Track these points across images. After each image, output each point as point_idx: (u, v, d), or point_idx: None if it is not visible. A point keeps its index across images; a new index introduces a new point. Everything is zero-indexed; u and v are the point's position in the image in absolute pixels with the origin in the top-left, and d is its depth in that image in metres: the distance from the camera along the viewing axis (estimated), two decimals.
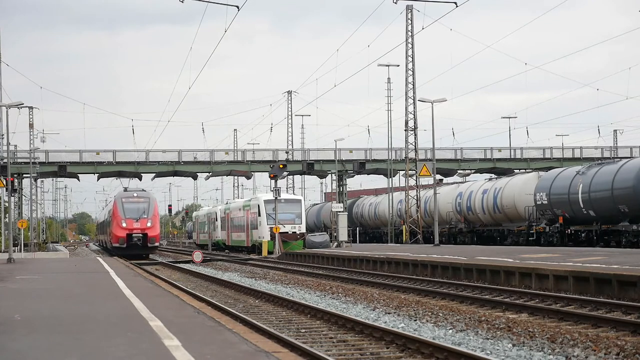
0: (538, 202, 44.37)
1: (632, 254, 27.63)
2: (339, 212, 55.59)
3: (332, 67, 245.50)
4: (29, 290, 20.61)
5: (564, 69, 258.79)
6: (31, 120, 78.71)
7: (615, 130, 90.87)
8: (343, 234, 52.87)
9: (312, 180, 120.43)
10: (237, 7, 29.55)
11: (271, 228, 52.53)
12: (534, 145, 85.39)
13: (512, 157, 75.74)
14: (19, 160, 68.31)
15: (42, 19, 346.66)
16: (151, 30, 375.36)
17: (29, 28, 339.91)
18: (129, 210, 52.74)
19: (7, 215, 52.00)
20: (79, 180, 79.37)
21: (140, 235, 52.15)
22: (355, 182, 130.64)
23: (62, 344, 10.58)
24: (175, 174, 75.83)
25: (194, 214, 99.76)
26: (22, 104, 50.11)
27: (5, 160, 53.55)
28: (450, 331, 14.56)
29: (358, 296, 21.53)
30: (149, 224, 52.45)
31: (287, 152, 75.33)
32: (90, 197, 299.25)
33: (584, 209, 39.89)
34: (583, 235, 41.37)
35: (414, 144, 57.00)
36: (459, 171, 74.68)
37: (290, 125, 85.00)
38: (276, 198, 51.51)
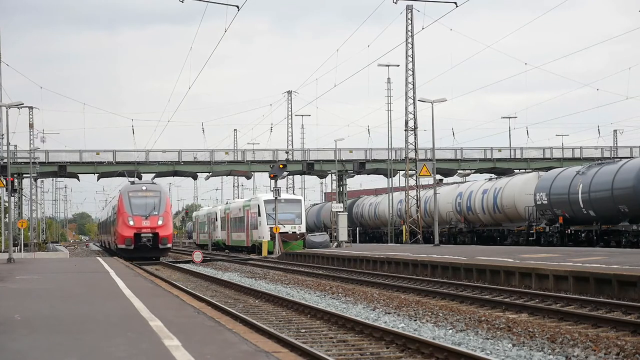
0: (538, 202, 44.37)
1: (632, 254, 27.62)
2: (339, 212, 55.59)
3: (332, 67, 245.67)
4: (29, 290, 20.61)
5: (564, 69, 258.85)
6: (31, 120, 78.74)
7: (615, 130, 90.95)
8: (343, 234, 52.87)
9: (312, 180, 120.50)
10: (237, 7, 29.57)
11: (271, 228, 52.52)
12: (534, 145, 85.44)
13: (512, 157, 75.75)
14: (19, 160, 68.33)
15: (42, 19, 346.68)
16: (151, 30, 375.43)
17: (29, 28, 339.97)
18: (136, 206, 45.87)
19: (7, 215, 51.99)
20: (79, 180, 79.41)
21: (150, 235, 45.40)
22: (355, 182, 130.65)
23: (62, 344, 10.59)
24: (175, 174, 75.86)
25: (194, 214, 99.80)
26: (22, 104, 50.13)
27: (5, 160, 53.56)
28: (450, 331, 14.56)
29: (358, 296, 21.53)
30: (160, 222, 45.66)
31: (287, 152, 75.34)
32: (90, 197, 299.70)
33: (584, 209, 39.89)
34: (583, 235, 41.36)
35: (414, 144, 57.00)
36: (459, 171, 74.70)
37: (290, 125, 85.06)
38: (276, 198, 51.52)
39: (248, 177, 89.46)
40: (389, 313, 17.51)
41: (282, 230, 51.69)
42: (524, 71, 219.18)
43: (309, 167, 72.34)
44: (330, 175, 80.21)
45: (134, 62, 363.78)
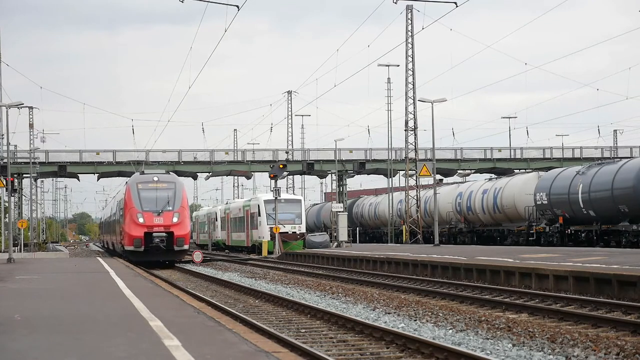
0: (538, 202, 44.37)
1: (632, 254, 27.62)
2: (339, 212, 55.59)
3: (332, 67, 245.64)
4: (29, 290, 20.61)
5: (564, 69, 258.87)
6: (31, 120, 78.75)
7: (615, 130, 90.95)
8: (343, 234, 52.87)
9: (312, 180, 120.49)
10: (237, 6, 29.56)
11: (271, 228, 52.52)
12: (534, 145, 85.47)
13: (512, 157, 75.76)
14: (19, 160, 68.35)
15: (42, 19, 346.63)
16: (151, 30, 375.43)
17: (29, 28, 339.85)
18: (147, 201, 39.43)
19: (7, 215, 51.99)
20: (79, 180, 79.41)
21: (164, 234, 38.89)
22: (355, 182, 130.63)
23: (62, 344, 10.59)
24: (175, 174, 75.84)
25: (194, 214, 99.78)
26: (22, 104, 50.14)
27: (5, 160, 53.55)
28: (450, 331, 14.56)
29: (358, 296, 21.53)
30: (175, 219, 39.15)
31: (287, 152, 75.35)
32: (90, 197, 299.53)
33: (584, 209, 39.89)
34: (583, 235, 41.36)
35: (414, 144, 57.00)
36: (459, 171, 74.71)
37: (290, 125, 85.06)
38: (276, 198, 51.52)
39: (248, 177, 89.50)
40: (389, 313, 17.51)
41: (282, 230, 51.68)
42: (524, 71, 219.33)
43: (309, 167, 72.34)
44: (330, 175, 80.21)
45: (134, 62, 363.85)
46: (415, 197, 57.71)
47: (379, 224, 73.31)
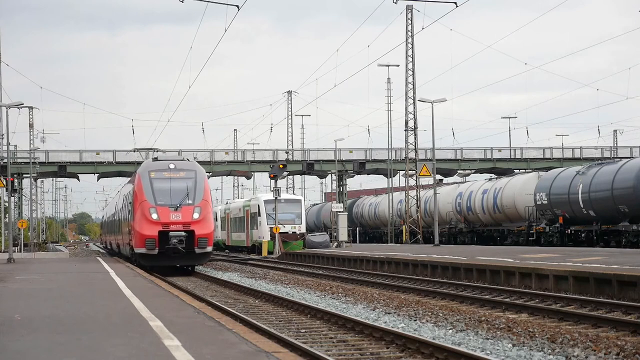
0: (538, 202, 44.37)
1: (632, 254, 27.62)
2: (339, 212, 55.58)
3: (332, 67, 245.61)
4: (29, 290, 20.61)
5: (564, 69, 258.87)
6: (31, 120, 78.76)
7: (615, 130, 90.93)
8: (343, 234, 52.86)
9: (312, 180, 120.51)
10: (237, 6, 29.55)
11: (271, 228, 52.51)
12: (534, 145, 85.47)
13: (512, 157, 75.76)
14: (19, 160, 68.35)
15: (42, 19, 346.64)
16: (152, 30, 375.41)
17: (29, 28, 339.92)
18: (162, 192, 32.54)
19: (7, 215, 51.98)
20: (79, 180, 79.42)
21: (183, 234, 31.80)
22: (355, 182, 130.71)
23: (62, 344, 10.59)
24: None
25: None
26: (22, 104, 50.11)
27: (5, 160, 53.56)
28: (450, 331, 14.56)
29: (358, 296, 21.53)
30: (196, 215, 32.14)
31: (287, 152, 75.35)
32: (90, 197, 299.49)
33: (584, 209, 39.89)
34: (583, 235, 41.36)
35: (414, 144, 57.00)
36: (459, 171, 74.71)
37: (290, 125, 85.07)
38: (276, 198, 51.52)
39: (248, 177, 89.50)
40: (389, 313, 17.51)
41: (282, 230, 51.67)
42: (524, 71, 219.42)
43: (309, 167, 72.35)
44: (330, 175, 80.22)
45: (134, 62, 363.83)
46: (415, 197, 57.72)
47: (379, 224, 73.30)
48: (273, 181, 52.43)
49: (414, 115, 56.73)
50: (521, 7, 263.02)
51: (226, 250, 67.54)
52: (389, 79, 65.87)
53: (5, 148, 55.63)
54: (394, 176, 70.53)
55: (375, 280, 27.12)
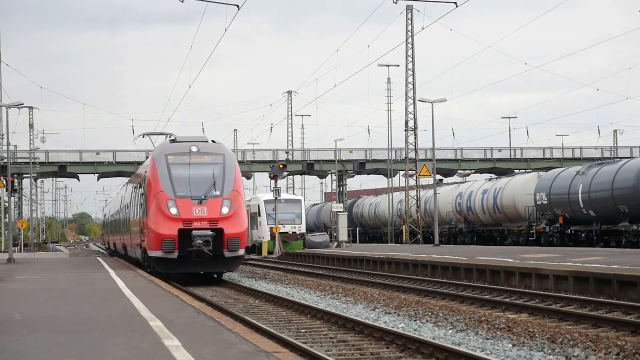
0: (538, 202, 44.37)
1: (632, 254, 27.62)
2: (339, 212, 55.58)
3: (332, 67, 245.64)
4: (29, 290, 20.61)
5: (564, 69, 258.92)
6: (31, 120, 78.76)
7: (615, 130, 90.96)
8: (343, 234, 52.86)
9: (312, 180, 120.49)
10: (237, 6, 29.55)
11: (271, 228, 52.51)
12: (534, 145, 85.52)
13: (512, 157, 75.78)
14: (19, 160, 68.37)
15: (42, 19, 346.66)
16: (152, 30, 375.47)
17: (29, 28, 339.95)
18: (183, 181, 26.59)
19: (7, 215, 51.98)
20: (79, 180, 79.46)
21: (209, 232, 25.83)
22: (355, 182, 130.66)
23: (62, 344, 10.58)
24: None
25: None
26: (22, 104, 50.11)
27: (5, 160, 53.57)
28: (450, 331, 14.56)
29: (358, 296, 21.53)
30: (225, 210, 26.22)
31: (287, 152, 75.36)
32: (90, 197, 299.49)
33: (584, 209, 39.89)
34: (583, 235, 41.36)
35: (414, 144, 57.00)
36: (459, 171, 74.73)
37: (290, 125, 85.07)
38: (276, 198, 51.51)
39: (248, 177, 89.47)
40: (389, 313, 17.51)
41: (282, 230, 51.66)
42: (524, 71, 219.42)
43: (309, 167, 72.35)
44: (330, 175, 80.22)
45: (134, 62, 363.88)
46: (415, 197, 57.71)
47: (379, 224, 73.30)
48: (273, 181, 52.43)
49: (414, 115, 56.74)
50: (521, 7, 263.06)
51: None
52: (389, 79, 65.92)
53: (5, 148, 55.65)
54: (394, 176, 70.57)
55: (375, 280, 27.12)
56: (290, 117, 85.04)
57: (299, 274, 32.86)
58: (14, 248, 47.49)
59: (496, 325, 14.93)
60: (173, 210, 25.88)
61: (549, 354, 12.03)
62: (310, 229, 71.33)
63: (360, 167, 71.75)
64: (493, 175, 67.66)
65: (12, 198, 49.99)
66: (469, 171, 74.63)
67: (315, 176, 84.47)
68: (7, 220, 52.52)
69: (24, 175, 72.08)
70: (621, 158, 55.51)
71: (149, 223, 26.43)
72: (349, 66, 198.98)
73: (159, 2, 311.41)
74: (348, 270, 33.64)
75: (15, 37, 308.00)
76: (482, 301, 19.41)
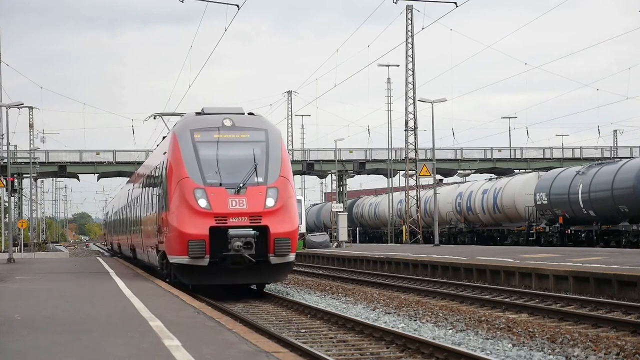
0: (538, 202, 44.37)
1: (632, 254, 27.62)
2: (339, 212, 55.58)
3: (332, 67, 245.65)
4: (29, 290, 20.61)
5: (564, 69, 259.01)
6: (31, 120, 78.75)
7: (615, 130, 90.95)
8: (343, 234, 52.86)
9: (312, 180, 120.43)
10: (237, 6, 29.54)
11: None
12: (534, 145, 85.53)
13: (512, 157, 75.78)
14: (19, 160, 68.36)
15: (42, 19, 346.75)
16: (152, 30, 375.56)
17: (29, 28, 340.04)
18: (214, 164, 20.80)
19: (7, 215, 51.99)
20: (79, 180, 79.49)
21: (251, 232, 20.03)
22: (355, 182, 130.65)
23: (62, 344, 10.58)
24: None
25: None
26: (22, 104, 50.13)
27: (5, 160, 53.57)
28: (450, 331, 14.56)
29: (358, 296, 21.53)
30: (271, 202, 20.50)
31: None
32: (90, 197, 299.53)
33: (584, 209, 39.89)
34: (583, 235, 41.37)
35: (414, 144, 57.00)
36: (459, 171, 74.73)
37: (290, 125, 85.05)
38: None
39: None
40: (389, 313, 17.51)
41: None
42: (524, 71, 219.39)
43: (309, 167, 72.33)
44: (330, 175, 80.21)
45: (134, 62, 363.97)
46: (415, 197, 57.71)
47: (379, 224, 73.30)
48: None
49: (414, 115, 56.73)
50: (521, 7, 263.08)
51: None
52: (389, 79, 65.94)
53: (5, 148, 55.64)
54: (394, 176, 70.57)
55: (375, 280, 27.12)
56: (290, 117, 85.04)
57: (299, 274, 32.86)
58: (14, 248, 47.48)
59: (496, 325, 14.94)
60: (202, 203, 19.95)
61: (549, 354, 12.03)
62: (310, 229, 71.31)
63: (360, 167, 71.74)
64: (493, 175, 67.67)
65: (12, 198, 50.00)
66: (469, 171, 74.65)
67: (315, 176, 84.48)
68: (7, 220, 52.52)
69: (24, 175, 72.10)
70: (621, 158, 55.52)
71: (171, 219, 20.51)
72: (349, 66, 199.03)
73: (159, 2, 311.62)
74: (348, 270, 33.64)
75: (15, 37, 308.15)
76: (482, 301, 19.41)
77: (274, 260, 20.08)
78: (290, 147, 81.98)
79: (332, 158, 71.45)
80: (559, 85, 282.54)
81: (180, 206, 20.28)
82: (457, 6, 35.26)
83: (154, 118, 31.16)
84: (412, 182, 59.66)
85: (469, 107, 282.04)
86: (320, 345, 13.21)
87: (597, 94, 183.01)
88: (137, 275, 26.58)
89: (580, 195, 40.02)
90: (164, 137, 26.45)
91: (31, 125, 78.63)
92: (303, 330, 15.02)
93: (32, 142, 78.31)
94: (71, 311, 14.94)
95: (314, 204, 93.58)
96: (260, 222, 20.00)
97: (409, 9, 55.09)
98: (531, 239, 45.64)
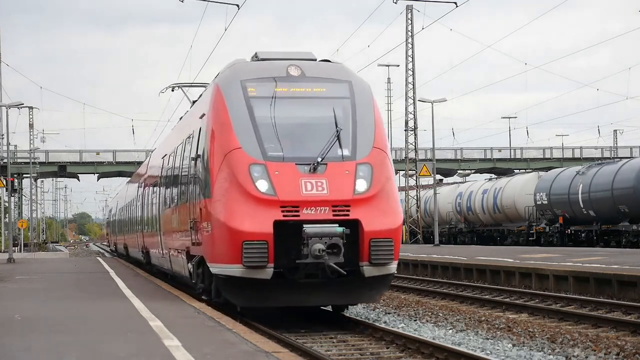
0: (538, 202, 44.38)
1: (632, 254, 27.62)
2: None
3: None
4: (29, 290, 20.60)
5: (564, 69, 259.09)
6: (31, 120, 78.77)
7: (615, 130, 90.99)
8: None
9: None
10: (238, 5, 29.51)
11: None
12: (534, 145, 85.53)
13: (512, 157, 75.82)
14: (19, 160, 68.40)
15: (43, 19, 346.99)
16: (152, 29, 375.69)
17: (30, 28, 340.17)
18: (277, 130, 14.32)
19: (7, 215, 52.00)
20: (79, 180, 79.59)
21: (338, 230, 13.41)
22: None
23: (62, 343, 10.58)
24: None
25: None
26: (22, 104, 50.15)
27: (5, 160, 53.58)
28: (450, 331, 14.56)
29: None
30: (362, 185, 13.96)
31: None
32: (90, 197, 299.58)
33: (584, 209, 39.90)
34: (583, 235, 41.38)
35: (414, 144, 57.00)
36: (459, 171, 74.74)
37: None
38: None
39: None
40: (389, 313, 17.50)
41: None
42: (524, 71, 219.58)
43: None
44: None
45: (135, 62, 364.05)
46: (415, 197, 57.72)
47: None
48: None
49: (414, 115, 56.73)
50: (521, 7, 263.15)
51: None
52: (389, 79, 66.13)
53: (5, 148, 55.65)
54: None
55: None
56: None
57: None
58: (14, 248, 47.49)
59: (496, 325, 14.94)
60: (262, 185, 13.73)
61: (549, 354, 12.03)
62: None
63: None
64: (493, 175, 67.69)
65: (12, 198, 50.01)
66: (469, 171, 74.68)
67: None
68: (7, 220, 52.54)
69: (24, 175, 72.14)
70: (621, 158, 55.54)
71: (214, 210, 14.12)
72: (349, 66, 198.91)
73: (159, 2, 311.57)
74: None
75: (16, 37, 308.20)
76: (482, 301, 19.41)
77: (369, 271, 13.78)
78: None
79: None
80: (559, 85, 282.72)
81: (229, 191, 13.81)
82: (457, 6, 35.23)
83: (172, 90, 25.48)
84: (412, 182, 59.66)
85: (469, 107, 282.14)
86: (320, 345, 13.21)
87: (597, 94, 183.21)
88: (137, 276, 26.50)
89: (580, 195, 40.02)
90: (193, 102, 20.20)
91: (31, 125, 78.66)
92: (303, 331, 15.02)
93: (32, 142, 78.35)
94: (71, 311, 14.94)
95: None
96: (348, 215, 13.68)
97: (409, 9, 55.09)
98: (531, 239, 45.65)
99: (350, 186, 13.86)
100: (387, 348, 12.84)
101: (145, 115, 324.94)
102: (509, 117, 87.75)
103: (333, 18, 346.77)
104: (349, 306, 15.88)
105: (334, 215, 13.66)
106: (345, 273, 13.53)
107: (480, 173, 76.17)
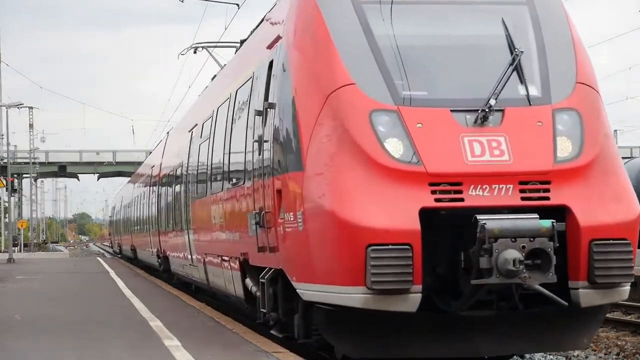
0: None
1: None
2: None
3: None
4: (29, 290, 20.61)
5: None
6: (31, 120, 78.71)
7: (615, 130, 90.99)
8: None
9: None
10: (238, 5, 29.52)
11: None
12: None
13: None
14: (19, 160, 68.38)
15: (43, 19, 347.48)
16: (152, 29, 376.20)
17: (30, 28, 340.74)
18: (405, 54, 8.35)
19: (7, 215, 52.02)
20: (79, 180, 79.64)
21: (540, 226, 7.59)
22: None
23: (62, 343, 10.58)
24: None
25: None
26: (22, 104, 50.20)
27: (5, 160, 53.60)
28: None
29: None
30: (567, 150, 8.19)
31: None
32: (90, 197, 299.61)
33: None
34: None
35: None
36: None
37: None
38: None
39: None
40: None
41: None
42: None
43: None
44: None
45: (135, 62, 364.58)
46: None
47: None
48: None
49: None
50: None
51: None
52: None
53: (5, 148, 55.68)
54: None
55: None
56: None
57: None
58: (14, 248, 47.51)
59: None
60: (396, 148, 8.11)
61: (549, 354, 12.01)
62: None
63: None
64: None
65: (12, 198, 50.07)
66: None
67: None
68: (7, 220, 52.58)
69: (24, 176, 72.15)
70: (621, 158, 55.55)
71: (308, 191, 8.31)
72: None
73: (159, 2, 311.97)
74: None
75: (16, 37, 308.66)
76: None
77: (588, 297, 8.10)
78: None
79: None
80: None
81: (337, 158, 8.17)
82: None
83: (194, 52, 21.89)
84: None
85: None
86: None
87: None
88: (137, 275, 26.46)
89: None
90: (241, 41, 14.15)
91: (31, 125, 78.58)
92: None
93: (32, 142, 78.33)
94: (71, 311, 14.95)
95: None
96: (548, 199, 8.19)
97: None
98: None
99: (549, 148, 8.29)
100: None
101: (145, 115, 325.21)
102: None
103: None
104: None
105: (522, 198, 8.06)
106: (566, 304, 7.90)
107: None
